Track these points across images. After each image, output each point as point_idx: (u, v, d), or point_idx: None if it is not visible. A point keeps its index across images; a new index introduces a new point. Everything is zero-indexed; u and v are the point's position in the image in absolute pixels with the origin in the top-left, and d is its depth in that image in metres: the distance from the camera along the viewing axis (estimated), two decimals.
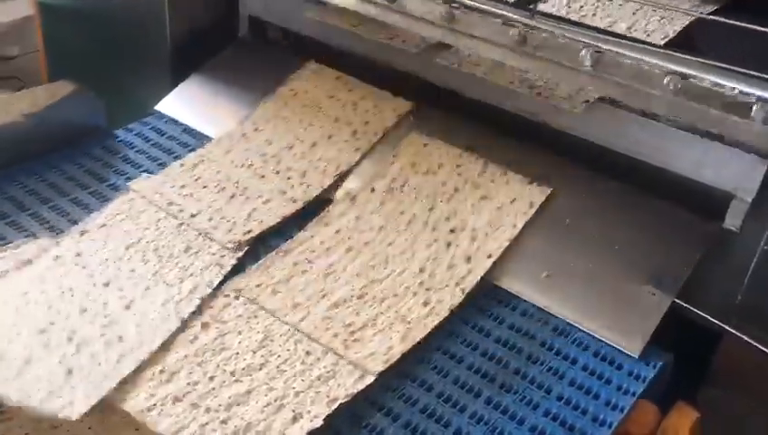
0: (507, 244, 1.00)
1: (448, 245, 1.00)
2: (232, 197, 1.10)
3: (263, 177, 1.14)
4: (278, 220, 1.07)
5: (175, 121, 1.28)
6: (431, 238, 1.01)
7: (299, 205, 1.09)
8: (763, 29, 0.94)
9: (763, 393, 0.93)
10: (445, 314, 0.92)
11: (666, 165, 1.03)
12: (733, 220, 0.99)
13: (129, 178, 1.14)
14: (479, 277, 0.97)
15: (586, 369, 0.87)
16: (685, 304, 0.94)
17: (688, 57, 1.00)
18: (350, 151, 1.16)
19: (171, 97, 1.32)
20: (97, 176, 1.15)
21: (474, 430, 0.80)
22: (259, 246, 1.04)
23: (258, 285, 0.97)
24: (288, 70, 1.32)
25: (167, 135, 1.25)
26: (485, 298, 0.96)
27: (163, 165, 1.18)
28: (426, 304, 0.93)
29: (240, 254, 1.02)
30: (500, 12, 1.10)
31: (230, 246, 1.02)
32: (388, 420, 0.81)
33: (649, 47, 1.05)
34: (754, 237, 0.93)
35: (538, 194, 1.05)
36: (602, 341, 0.91)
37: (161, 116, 1.29)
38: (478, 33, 1.12)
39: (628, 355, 0.89)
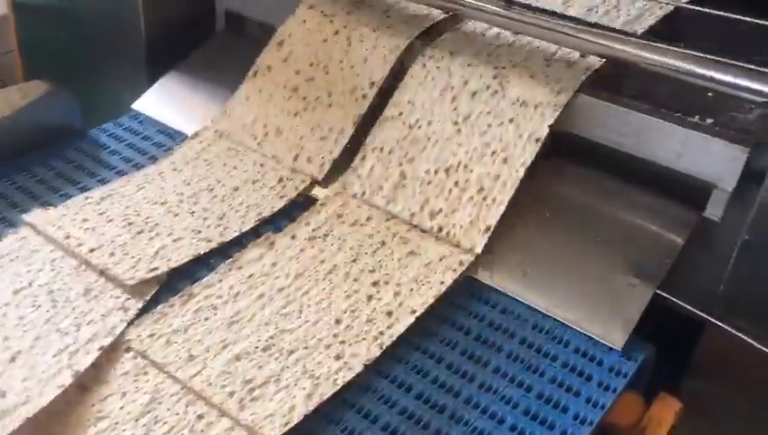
0: (432, 301, 0.92)
1: (369, 298, 0.92)
2: (139, 232, 1.01)
3: (176, 215, 1.05)
4: (188, 259, 0.98)
5: (151, 120, 1.26)
6: (351, 290, 0.94)
7: (213, 245, 1.00)
8: (740, 17, 0.93)
9: (745, 383, 0.92)
10: (358, 369, 0.84)
11: (646, 155, 1.02)
12: (714, 210, 0.99)
13: (102, 181, 1.13)
14: (400, 332, 0.88)
15: (566, 365, 0.86)
16: (667, 295, 0.94)
17: (668, 47, 1.00)
18: (275, 198, 1.09)
19: (148, 95, 1.31)
20: (69, 179, 1.13)
21: (453, 430, 0.79)
22: (162, 291, 0.94)
23: (151, 335, 0.87)
24: None
25: (141, 135, 1.23)
26: (463, 295, 0.95)
27: (137, 166, 1.16)
28: (338, 357, 0.85)
29: (147, 296, 0.92)
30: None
31: (130, 282, 0.92)
32: (366, 422, 0.80)
33: (626, 37, 1.05)
34: (736, 227, 0.93)
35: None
36: (584, 335, 0.90)
37: (137, 115, 1.27)
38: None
39: (609, 348, 0.89)
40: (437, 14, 1.16)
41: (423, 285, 0.94)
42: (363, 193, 1.05)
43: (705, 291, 0.94)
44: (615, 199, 1.03)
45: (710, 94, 1.01)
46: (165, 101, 1.30)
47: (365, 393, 0.83)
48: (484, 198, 0.98)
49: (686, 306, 0.93)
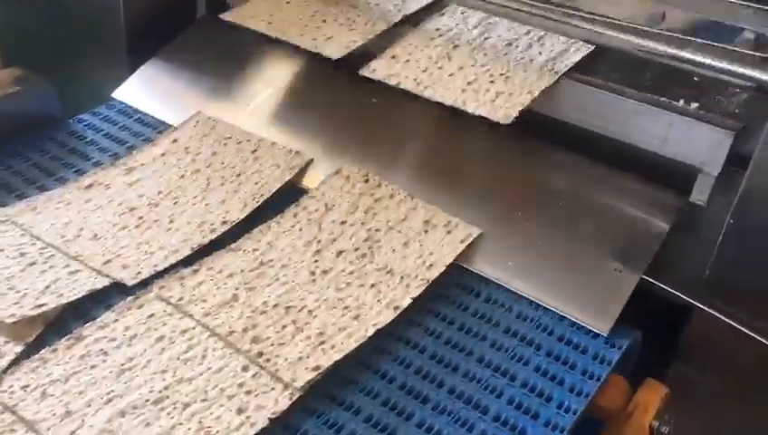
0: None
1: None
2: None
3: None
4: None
5: (132, 109, 1.24)
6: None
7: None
8: None
9: (732, 368, 0.92)
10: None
11: (631, 140, 1.01)
12: (699, 195, 0.98)
13: (79, 172, 1.11)
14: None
15: (550, 354, 0.86)
16: (653, 281, 0.93)
17: (655, 31, 0.99)
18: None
19: (128, 83, 1.29)
20: (45, 170, 1.11)
21: (437, 420, 0.78)
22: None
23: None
24: (248, 51, 1.28)
25: (120, 125, 1.21)
26: (448, 285, 0.94)
27: (116, 156, 1.14)
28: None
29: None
30: None
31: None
32: (348, 414, 0.79)
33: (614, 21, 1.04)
34: (721, 212, 0.92)
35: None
36: (568, 322, 0.90)
37: (118, 103, 1.26)
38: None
39: (595, 335, 0.88)
40: (301, 163, 1.10)
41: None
42: (181, 298, 0.89)
43: (691, 276, 0.93)
44: (600, 185, 1.03)
45: (695, 78, 1.00)
46: (146, 90, 1.28)
47: (347, 386, 0.82)
48: (322, 343, 0.84)
49: (672, 291, 0.93)
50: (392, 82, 1.11)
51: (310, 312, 0.88)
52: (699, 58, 0.96)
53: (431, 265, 0.94)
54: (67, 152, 1.15)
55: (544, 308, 0.91)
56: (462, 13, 1.22)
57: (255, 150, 1.13)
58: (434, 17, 1.23)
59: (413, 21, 1.22)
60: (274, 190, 1.06)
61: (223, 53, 1.31)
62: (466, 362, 0.85)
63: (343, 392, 0.81)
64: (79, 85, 1.36)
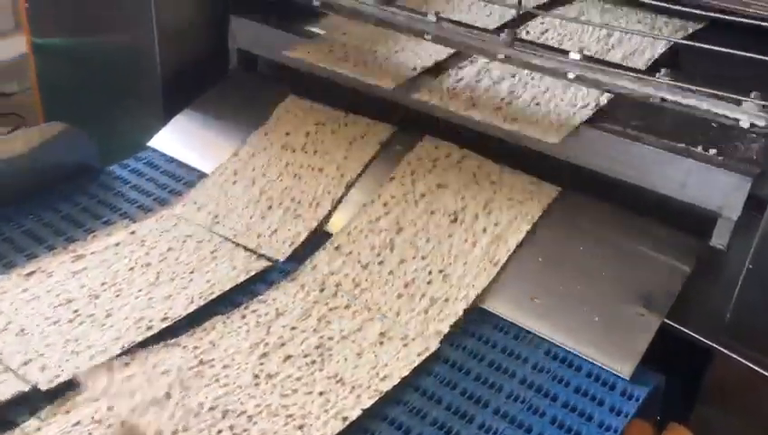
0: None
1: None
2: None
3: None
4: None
5: (167, 157, 1.29)
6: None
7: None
8: (738, 52, 0.95)
9: (754, 411, 0.93)
10: None
11: (651, 185, 1.04)
12: (719, 239, 1.00)
13: (123, 215, 1.15)
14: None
15: (578, 391, 0.88)
16: (674, 324, 0.95)
17: (670, 82, 1.02)
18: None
19: (163, 133, 1.34)
20: (92, 213, 1.16)
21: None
22: None
23: None
24: (278, 102, 1.32)
25: (157, 172, 1.26)
26: (476, 322, 0.97)
27: (158, 200, 1.19)
28: None
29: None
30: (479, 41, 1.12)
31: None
32: None
33: (631, 73, 1.07)
34: (741, 255, 0.93)
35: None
36: (594, 363, 0.91)
37: (154, 151, 1.31)
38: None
39: (618, 378, 0.90)
40: (259, 268, 1.06)
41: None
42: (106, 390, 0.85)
43: (712, 319, 0.94)
44: (622, 229, 1.05)
45: (714, 125, 1.03)
46: (180, 139, 1.33)
47: (381, 422, 0.84)
48: None
49: (694, 335, 0.94)
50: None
51: (250, 418, 0.82)
52: (716, 109, 0.99)
53: (385, 376, 0.89)
54: (110, 195, 1.20)
55: (566, 350, 0.93)
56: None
57: (215, 251, 1.08)
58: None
59: None
60: (226, 290, 1.01)
61: (253, 103, 1.36)
62: (496, 397, 0.87)
63: (377, 427, 0.84)
64: (115, 134, 1.41)
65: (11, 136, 1.23)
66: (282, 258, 1.07)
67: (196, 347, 0.91)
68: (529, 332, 0.96)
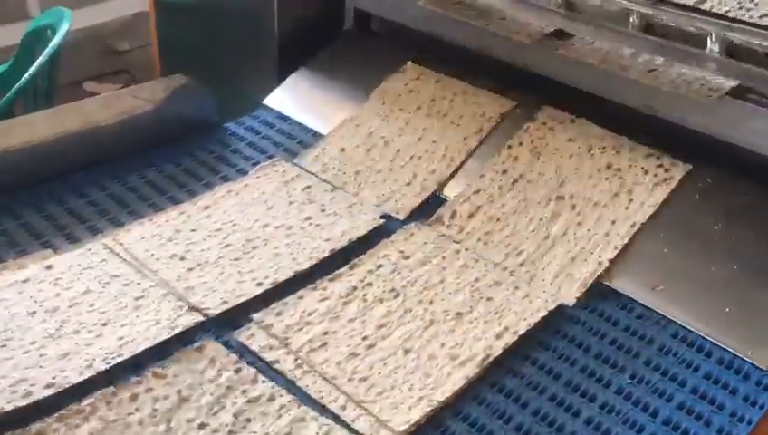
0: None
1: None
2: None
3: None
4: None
5: (282, 116, 1.29)
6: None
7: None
8: None
9: None
10: None
11: None
12: None
13: (240, 171, 1.16)
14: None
15: (709, 377, 0.83)
16: None
17: None
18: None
19: (278, 91, 1.34)
20: (210, 167, 1.17)
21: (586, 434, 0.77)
22: None
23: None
24: (393, 63, 1.31)
25: (275, 128, 1.27)
26: (598, 299, 0.93)
27: (272, 157, 1.19)
28: None
29: None
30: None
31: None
32: (500, 422, 0.79)
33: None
34: None
35: None
36: (726, 349, 0.86)
37: (269, 110, 1.31)
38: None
39: (753, 368, 0.84)
40: (189, 324, 0.87)
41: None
42: None
43: None
44: (762, 211, 0.98)
45: None
46: (294, 98, 1.33)
47: (496, 394, 0.82)
48: None
49: None
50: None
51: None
52: None
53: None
54: (227, 152, 1.21)
55: (695, 334, 0.88)
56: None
57: (141, 297, 0.90)
58: None
59: None
60: (138, 352, 0.82)
61: (367, 64, 1.34)
62: (618, 378, 0.83)
63: (493, 398, 0.82)
64: (231, 91, 1.42)
65: (138, 87, 1.25)
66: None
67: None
68: (655, 312, 0.91)
